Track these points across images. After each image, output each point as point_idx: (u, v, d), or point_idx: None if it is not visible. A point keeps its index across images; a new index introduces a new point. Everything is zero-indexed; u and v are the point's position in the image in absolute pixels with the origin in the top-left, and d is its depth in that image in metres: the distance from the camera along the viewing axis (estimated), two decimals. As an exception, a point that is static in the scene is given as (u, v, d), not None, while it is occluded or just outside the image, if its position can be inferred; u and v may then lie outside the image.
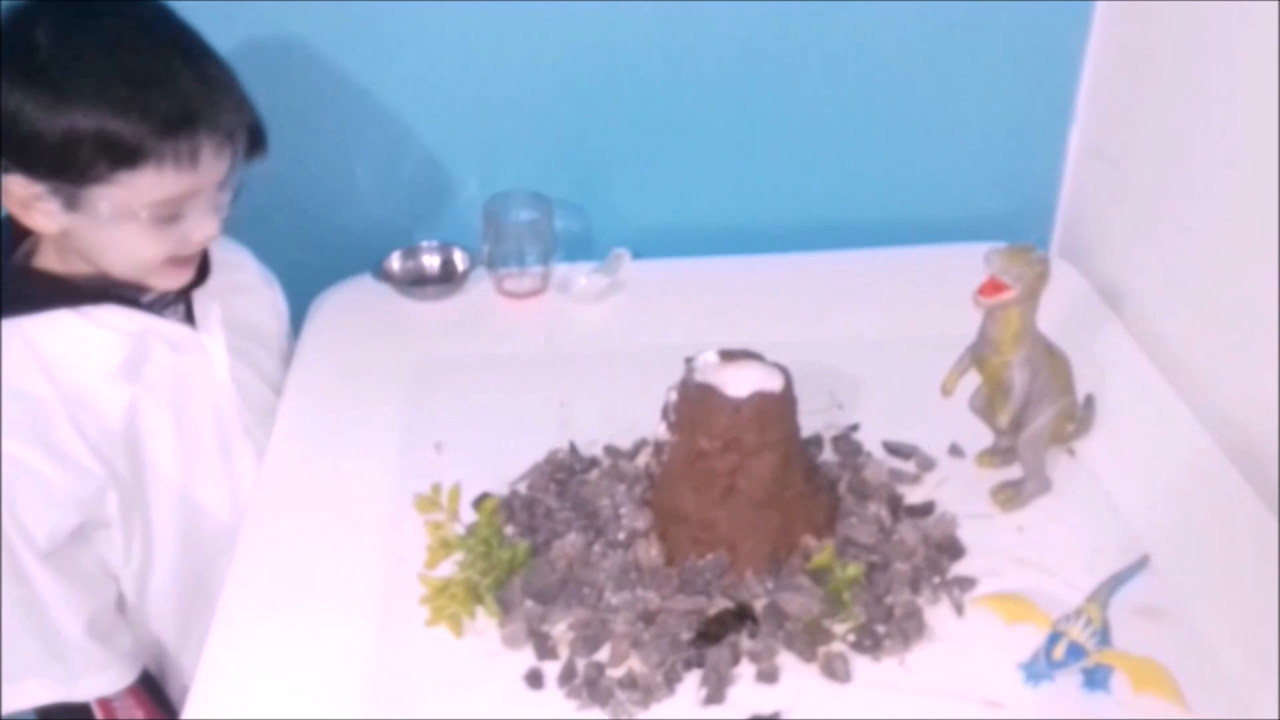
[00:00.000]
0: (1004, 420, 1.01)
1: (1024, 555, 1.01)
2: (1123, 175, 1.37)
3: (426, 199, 1.42)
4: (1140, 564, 0.94)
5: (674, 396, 1.01)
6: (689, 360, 1.01)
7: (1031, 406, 1.01)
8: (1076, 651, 0.85)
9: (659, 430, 1.03)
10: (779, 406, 0.97)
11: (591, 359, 1.29)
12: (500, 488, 1.09)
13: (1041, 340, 1.01)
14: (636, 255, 1.42)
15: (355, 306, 1.37)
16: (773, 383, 0.97)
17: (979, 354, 1.01)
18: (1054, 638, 0.86)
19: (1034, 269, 0.95)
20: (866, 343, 1.29)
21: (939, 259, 1.42)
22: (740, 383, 0.97)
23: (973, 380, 1.06)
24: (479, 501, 1.05)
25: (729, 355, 1.00)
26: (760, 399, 0.96)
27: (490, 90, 1.37)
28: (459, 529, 1.03)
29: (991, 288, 0.96)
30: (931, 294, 1.36)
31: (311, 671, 0.93)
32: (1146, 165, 1.33)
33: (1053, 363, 1.03)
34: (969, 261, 1.35)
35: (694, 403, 0.98)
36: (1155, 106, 1.30)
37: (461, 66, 1.35)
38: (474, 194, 1.40)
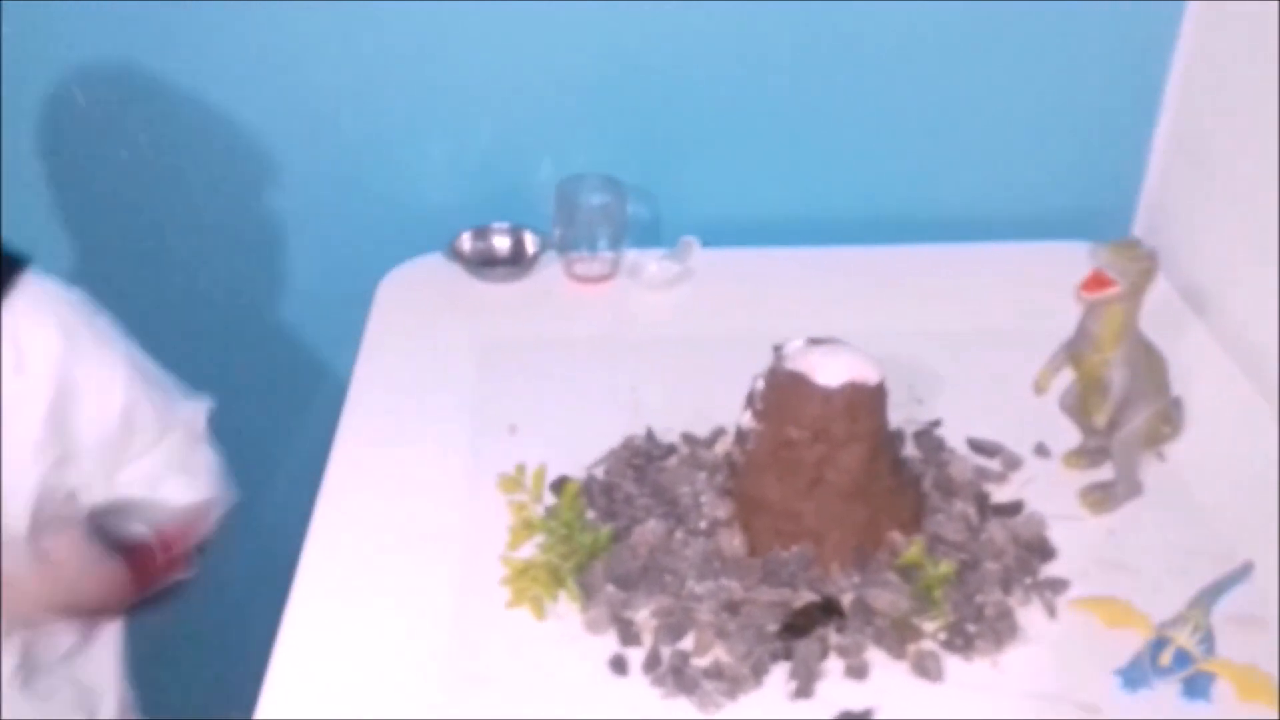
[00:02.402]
0: (1102, 420, 0.98)
1: (1115, 559, 0.99)
2: (1208, 173, 1.34)
3: (499, 180, 1.41)
4: (1244, 571, 0.91)
5: (760, 384, 0.99)
6: (777, 348, 0.99)
7: (1128, 407, 0.99)
8: (1184, 659, 0.83)
9: (743, 418, 1.01)
10: (871, 397, 0.95)
11: (662, 346, 1.27)
12: (574, 471, 1.07)
13: (1142, 339, 0.99)
14: (705, 244, 1.40)
15: (425, 285, 1.36)
16: (867, 372, 0.94)
17: (1076, 351, 0.99)
18: (1160, 644, 0.84)
19: (1140, 264, 0.93)
20: (944, 338, 1.26)
21: (1018, 256, 1.40)
22: (831, 371, 0.95)
23: (1063, 378, 1.03)
24: (558, 484, 1.03)
25: (819, 343, 0.98)
26: (852, 389, 0.94)
27: (564, 73, 1.35)
28: (539, 511, 1.01)
29: (1096, 283, 0.93)
30: (1011, 290, 1.34)
31: (390, 653, 0.91)
32: (1233, 163, 1.30)
33: (1151, 362, 1.00)
34: (1047, 258, 1.34)
35: (783, 390, 0.96)
36: (1244, 103, 1.27)
37: (536, 49, 1.33)
38: (547, 177, 1.38)
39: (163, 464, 1.05)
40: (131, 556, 1.00)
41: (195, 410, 1.09)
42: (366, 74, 1.33)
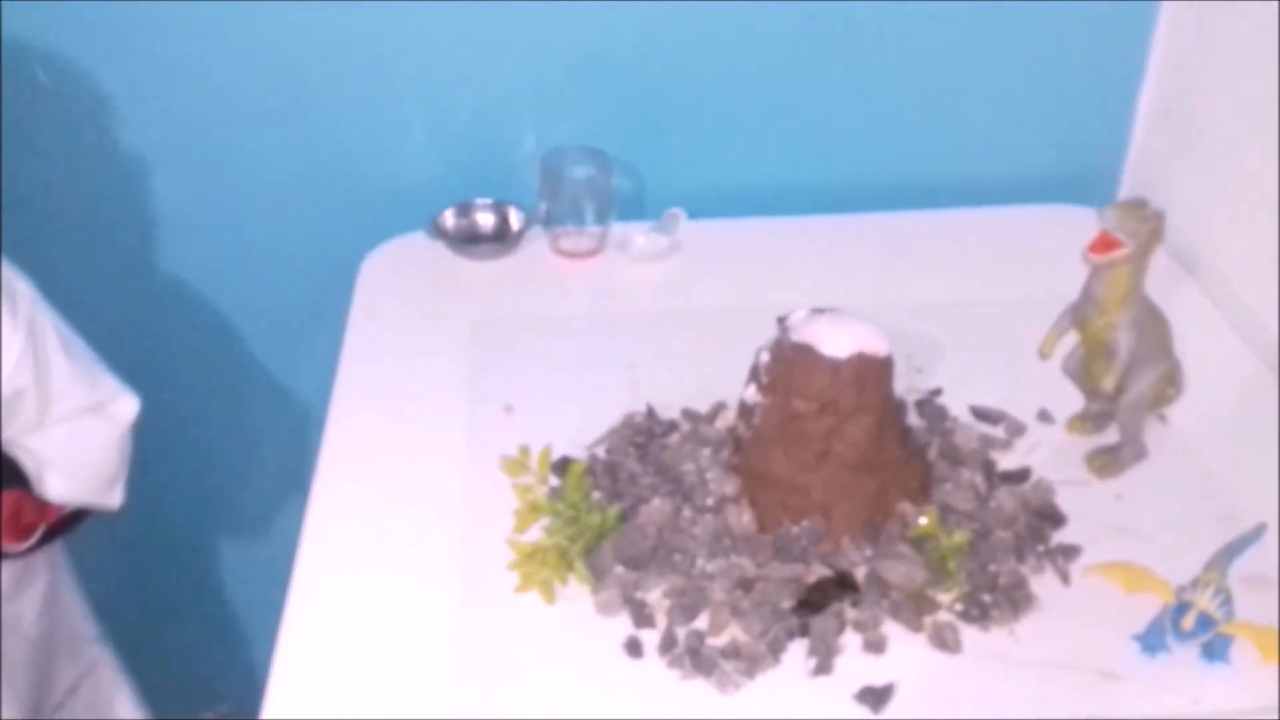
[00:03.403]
0: (1109, 384, 0.98)
1: (1124, 523, 0.98)
2: (1194, 133, 1.33)
3: (480, 155, 1.37)
4: (1258, 532, 0.91)
5: (765, 357, 0.98)
6: (781, 319, 0.98)
7: (1134, 370, 0.98)
8: (1206, 622, 0.82)
9: (747, 392, 0.99)
10: (878, 367, 0.94)
11: (654, 320, 1.25)
12: (573, 450, 1.05)
13: (1147, 301, 0.98)
14: (691, 215, 1.38)
15: (408, 264, 1.32)
16: (876, 343, 0.93)
17: (1081, 314, 0.98)
18: (1182, 608, 0.83)
19: (1149, 225, 0.92)
20: (936, 304, 1.25)
21: (1004, 220, 1.39)
22: (838, 342, 0.93)
23: (1065, 342, 1.03)
24: (561, 465, 1.01)
25: (823, 313, 0.96)
26: (860, 359, 0.93)
27: (545, 44, 1.32)
28: (542, 493, 0.99)
29: (1103, 244, 0.92)
30: (1000, 256, 1.34)
31: (398, 643, 0.89)
32: (1218, 123, 1.29)
33: (1155, 324, 1.00)
34: (1034, 222, 1.33)
35: (789, 363, 0.95)
36: (1229, 63, 1.26)
37: (516, 20, 1.30)
38: (530, 150, 1.35)
39: (59, 445, 1.02)
40: None
41: (124, 402, 1.06)
42: (342, 47, 1.29)
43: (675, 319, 1.25)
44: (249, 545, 1.66)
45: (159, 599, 1.63)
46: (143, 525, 1.51)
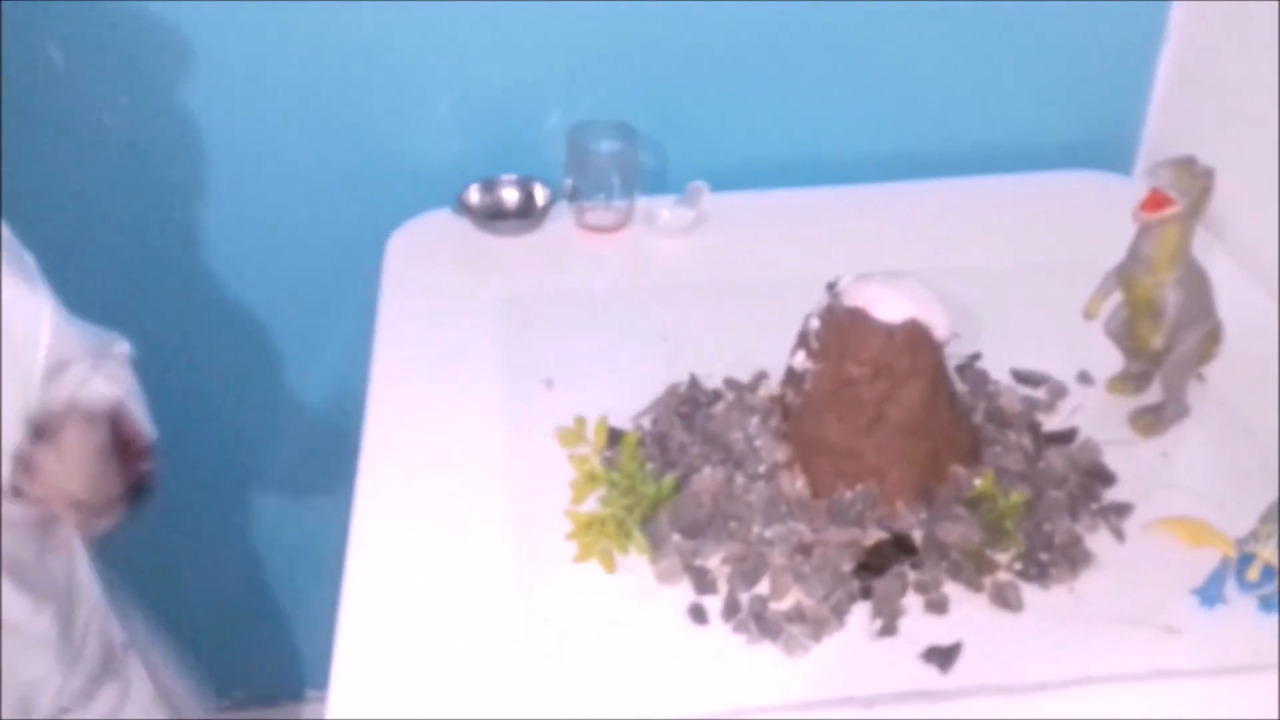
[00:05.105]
0: (1158, 342, 0.98)
1: (1172, 480, 0.99)
2: (1215, 95, 1.34)
3: (504, 131, 1.36)
4: (1312, 484, 0.92)
5: (815, 323, 0.97)
6: (831, 285, 0.97)
7: (1180, 329, 0.99)
8: (1270, 573, 0.83)
9: (796, 359, 0.99)
10: (931, 331, 0.94)
11: (685, 293, 1.25)
12: (618, 422, 1.04)
13: (1192, 260, 0.98)
14: (713, 188, 1.38)
15: (434, 240, 1.32)
16: (927, 308, 0.93)
17: (1128, 274, 0.98)
18: (1245, 559, 0.84)
19: (1199, 183, 0.92)
20: (965, 271, 1.25)
21: (1025, 188, 1.40)
22: (892, 306, 0.93)
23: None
24: (614, 436, 1.01)
25: (872, 278, 0.96)
26: (914, 324, 0.93)
27: (570, 20, 1.31)
28: (597, 463, 0.99)
29: (1154, 202, 0.92)
30: (1025, 222, 1.35)
31: (457, 618, 0.88)
32: (1240, 85, 1.30)
33: (1200, 283, 1.00)
34: (1055, 189, 1.36)
35: (842, 328, 0.94)
36: (1250, 25, 1.26)
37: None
38: (555, 126, 1.34)
39: (88, 369, 1.00)
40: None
41: (119, 342, 1.05)
42: (367, 24, 1.27)
43: (705, 291, 1.25)
44: (274, 532, 1.65)
45: (176, 586, 1.61)
46: (168, 511, 1.50)
